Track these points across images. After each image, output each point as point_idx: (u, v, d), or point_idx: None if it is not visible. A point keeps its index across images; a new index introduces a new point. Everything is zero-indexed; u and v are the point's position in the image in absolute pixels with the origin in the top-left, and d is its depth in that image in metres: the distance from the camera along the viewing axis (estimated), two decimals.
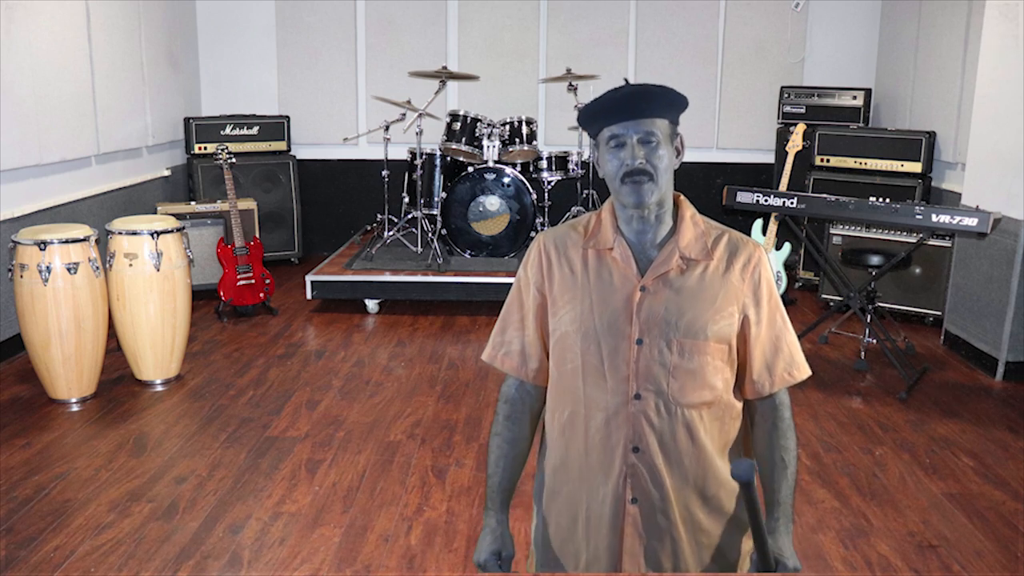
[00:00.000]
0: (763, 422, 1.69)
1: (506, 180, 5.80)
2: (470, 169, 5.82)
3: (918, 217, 4.16)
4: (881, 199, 4.34)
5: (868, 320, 4.68)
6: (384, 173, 6.00)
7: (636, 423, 1.59)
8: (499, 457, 1.74)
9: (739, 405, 1.67)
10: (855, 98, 6.29)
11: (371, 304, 5.61)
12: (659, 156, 1.55)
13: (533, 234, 5.97)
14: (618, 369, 1.59)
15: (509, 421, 1.74)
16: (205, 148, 6.45)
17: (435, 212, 5.93)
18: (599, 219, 1.66)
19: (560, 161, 6.06)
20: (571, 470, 1.66)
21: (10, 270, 4.03)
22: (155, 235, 4.25)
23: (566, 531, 1.69)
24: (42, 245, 3.92)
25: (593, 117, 1.59)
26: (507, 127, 5.96)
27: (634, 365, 1.58)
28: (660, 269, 1.60)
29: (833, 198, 4.41)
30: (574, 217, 6.02)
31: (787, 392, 1.70)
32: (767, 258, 1.66)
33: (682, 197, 1.68)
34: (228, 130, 6.55)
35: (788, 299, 5.85)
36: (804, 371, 1.69)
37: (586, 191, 6.25)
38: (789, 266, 5.97)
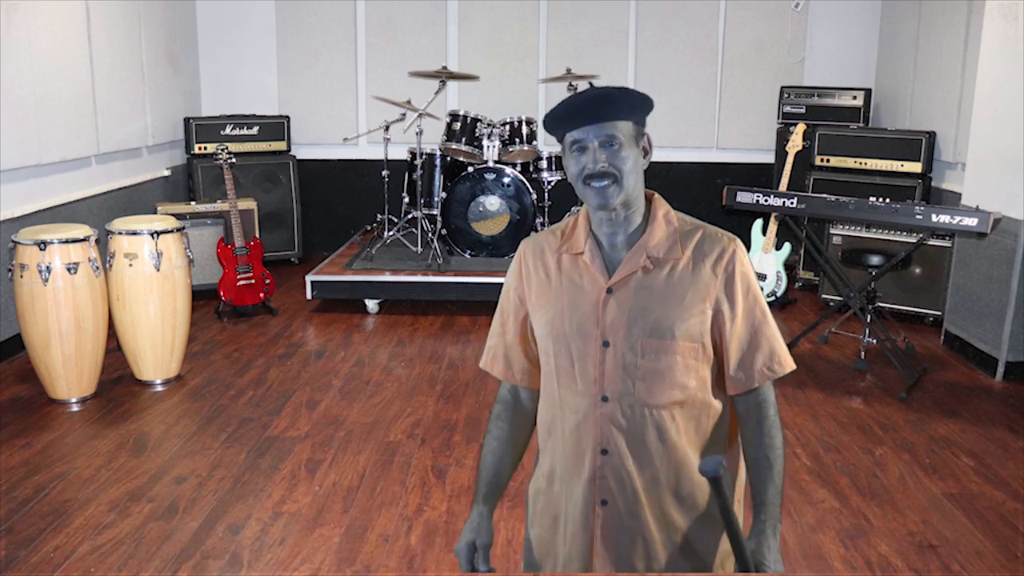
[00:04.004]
0: (748, 420, 1.66)
1: (506, 180, 5.80)
2: (470, 169, 5.82)
3: (918, 217, 4.16)
4: (881, 199, 4.34)
5: (868, 320, 4.68)
6: (384, 173, 6.00)
7: (604, 426, 1.59)
8: (488, 452, 1.76)
9: (718, 403, 1.65)
10: (855, 98, 6.29)
11: (371, 304, 5.61)
12: (622, 158, 1.54)
13: (533, 234, 5.97)
14: (587, 372, 1.60)
15: (499, 420, 1.77)
16: (205, 148, 6.45)
17: (435, 212, 5.93)
18: (575, 223, 1.68)
19: (560, 161, 6.05)
20: (552, 473, 1.69)
21: (10, 270, 4.03)
22: (155, 235, 4.25)
23: (548, 533, 1.71)
24: (42, 245, 3.92)
25: (555, 123, 1.59)
26: (507, 127, 5.96)
27: (601, 367, 1.59)
28: (626, 270, 1.59)
29: (833, 198, 4.41)
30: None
31: (772, 389, 1.66)
32: (744, 252, 1.63)
33: (656, 196, 1.66)
34: (228, 130, 6.55)
35: (788, 299, 5.86)
36: (787, 365, 1.65)
37: None
38: (789, 266, 5.97)
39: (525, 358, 1.74)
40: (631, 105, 1.57)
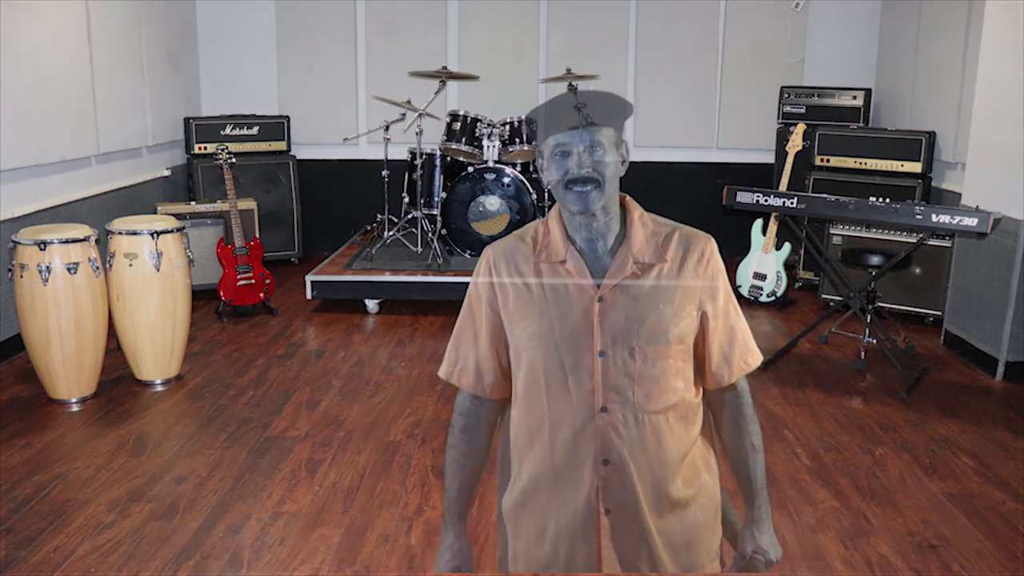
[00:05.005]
0: (730, 412, 1.71)
1: (506, 180, 5.80)
2: (470, 169, 5.82)
3: (918, 217, 4.16)
4: (881, 199, 4.34)
5: (868, 320, 4.68)
6: (384, 173, 6.00)
7: (604, 436, 1.58)
8: (455, 471, 1.73)
9: (697, 401, 1.68)
10: (855, 98, 6.29)
11: (371, 304, 5.61)
12: (605, 164, 1.55)
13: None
14: (582, 383, 1.58)
15: (465, 434, 1.73)
16: (205, 148, 6.45)
17: (435, 212, 5.93)
18: (547, 230, 1.65)
19: None
20: (538, 483, 1.65)
21: (10, 270, 4.03)
22: (155, 235, 4.25)
23: (534, 546, 1.68)
24: (42, 245, 3.92)
25: (539, 126, 1.59)
26: (507, 127, 5.96)
27: (599, 377, 1.57)
28: (616, 277, 1.58)
29: (833, 198, 4.41)
30: None
31: (745, 379, 1.71)
32: (716, 248, 1.66)
33: (628, 198, 1.67)
34: (228, 130, 6.55)
35: (788, 299, 5.86)
36: (758, 357, 1.71)
37: None
38: (789, 266, 5.97)
39: (498, 370, 1.69)
40: (615, 110, 1.57)
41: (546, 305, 1.60)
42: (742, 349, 1.68)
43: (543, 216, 6.70)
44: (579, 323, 1.58)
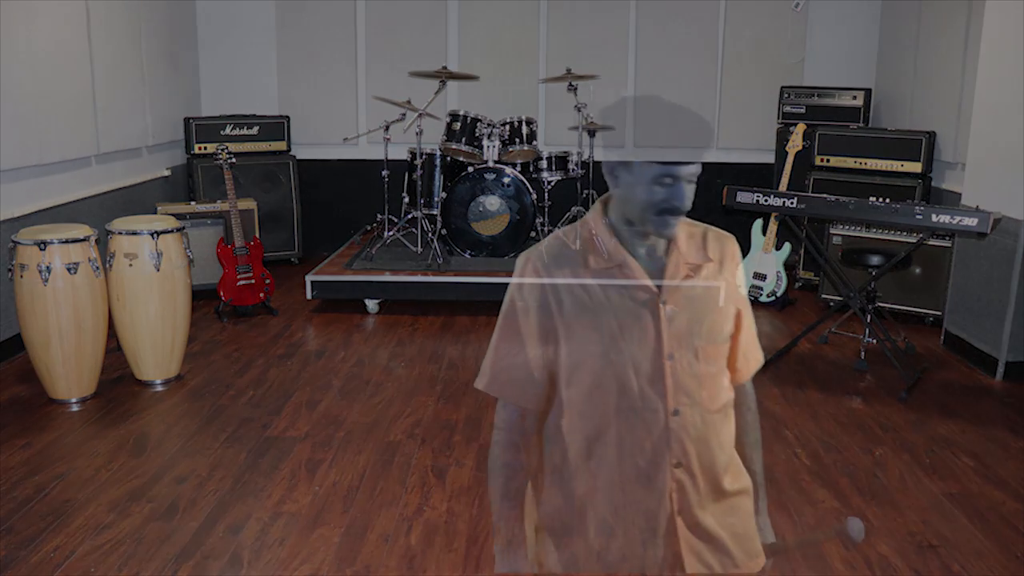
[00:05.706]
0: (742, 408, 1.76)
1: (506, 180, 5.80)
2: (470, 169, 5.82)
3: (918, 217, 4.16)
4: (881, 199, 4.34)
5: (868, 320, 4.68)
6: (384, 173, 6.00)
7: (676, 439, 1.57)
8: (514, 489, 1.66)
9: (732, 396, 1.70)
10: (855, 98, 6.29)
11: (371, 304, 5.61)
12: (694, 192, 1.59)
13: (533, 234, 5.96)
14: (655, 387, 1.56)
15: (515, 450, 1.67)
16: (205, 148, 6.45)
17: (435, 212, 5.93)
18: (591, 233, 1.61)
19: (560, 161, 6.06)
20: (600, 492, 1.61)
21: (10, 270, 4.03)
22: (155, 235, 4.25)
23: (602, 551, 1.63)
24: (42, 245, 3.92)
25: (653, 157, 1.59)
26: (507, 127, 5.96)
27: (670, 381, 1.56)
28: (674, 280, 1.58)
29: (833, 198, 4.41)
30: (574, 217, 6.05)
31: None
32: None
33: None
34: (228, 130, 6.55)
35: (788, 299, 5.86)
36: (762, 357, 1.78)
37: (586, 191, 6.24)
38: (789, 266, 5.97)
39: (547, 380, 1.63)
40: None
41: (609, 310, 1.56)
42: (755, 347, 1.74)
43: (542, 216, 6.62)
44: (647, 327, 1.56)
